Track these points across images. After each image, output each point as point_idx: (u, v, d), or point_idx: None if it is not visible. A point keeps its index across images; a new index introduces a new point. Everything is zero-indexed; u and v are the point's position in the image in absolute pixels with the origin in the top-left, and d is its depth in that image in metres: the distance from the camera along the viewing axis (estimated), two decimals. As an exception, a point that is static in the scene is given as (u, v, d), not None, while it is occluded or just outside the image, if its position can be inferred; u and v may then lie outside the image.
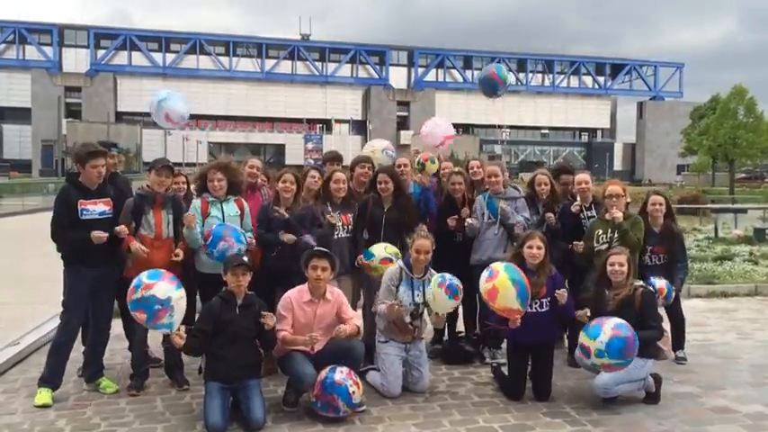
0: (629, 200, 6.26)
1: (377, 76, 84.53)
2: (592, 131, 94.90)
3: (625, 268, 5.23)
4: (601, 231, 5.94)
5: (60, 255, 5.25)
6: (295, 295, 5.08)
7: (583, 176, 6.40)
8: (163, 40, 78.59)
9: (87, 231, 4.99)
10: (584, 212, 6.28)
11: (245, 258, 5.05)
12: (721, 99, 61.15)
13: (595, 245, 5.92)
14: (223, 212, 5.56)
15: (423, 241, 5.41)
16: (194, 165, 53.45)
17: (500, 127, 79.41)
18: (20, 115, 73.97)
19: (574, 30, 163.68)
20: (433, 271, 5.48)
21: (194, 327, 4.80)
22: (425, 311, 5.52)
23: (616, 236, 5.83)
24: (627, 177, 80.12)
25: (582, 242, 6.01)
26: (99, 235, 4.96)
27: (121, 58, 77.95)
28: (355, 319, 5.22)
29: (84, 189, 5.14)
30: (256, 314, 4.82)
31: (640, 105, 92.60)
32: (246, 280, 4.85)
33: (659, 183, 68.16)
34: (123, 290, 4.92)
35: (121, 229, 5.08)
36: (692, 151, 64.48)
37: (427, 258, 5.42)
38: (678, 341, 6.38)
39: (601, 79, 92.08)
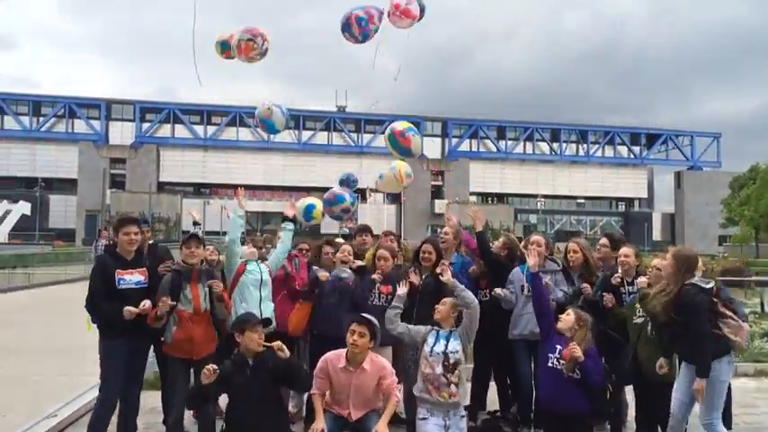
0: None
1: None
2: (629, 201, 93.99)
3: (631, 260, 5.47)
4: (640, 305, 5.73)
5: (96, 326, 5.30)
6: (332, 358, 4.98)
7: (626, 249, 6.19)
8: (205, 113, 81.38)
9: (123, 301, 5.04)
10: (626, 287, 6.01)
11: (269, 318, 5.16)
12: (761, 169, 60.35)
13: (634, 317, 5.69)
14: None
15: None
16: (196, 224, 54.51)
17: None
18: (66, 186, 76.68)
19: (607, 100, 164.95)
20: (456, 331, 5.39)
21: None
22: (458, 365, 5.28)
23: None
24: (667, 248, 78.71)
25: (611, 296, 5.83)
26: (131, 310, 4.99)
27: (165, 131, 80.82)
28: (394, 391, 5.02)
29: (121, 259, 5.23)
30: (271, 371, 4.65)
31: (678, 175, 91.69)
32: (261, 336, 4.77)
33: (701, 254, 66.58)
34: (163, 363, 4.94)
35: (144, 306, 5.05)
36: (734, 222, 63.22)
37: (449, 312, 5.29)
38: (726, 421, 6.03)
39: (636, 149, 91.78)
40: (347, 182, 9.62)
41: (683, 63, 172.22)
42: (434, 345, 5.21)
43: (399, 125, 7.64)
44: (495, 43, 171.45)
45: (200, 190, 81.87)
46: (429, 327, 5.39)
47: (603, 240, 6.74)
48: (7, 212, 68.42)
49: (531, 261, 5.47)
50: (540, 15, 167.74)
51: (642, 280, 5.62)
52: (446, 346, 5.19)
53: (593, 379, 4.93)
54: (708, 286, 5.02)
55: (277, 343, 4.71)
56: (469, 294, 5.29)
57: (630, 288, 6.00)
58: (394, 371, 5.17)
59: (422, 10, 7.79)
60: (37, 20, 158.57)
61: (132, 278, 5.21)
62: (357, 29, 7.66)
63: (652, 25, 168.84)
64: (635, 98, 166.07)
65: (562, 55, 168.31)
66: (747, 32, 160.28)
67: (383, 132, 8.09)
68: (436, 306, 5.32)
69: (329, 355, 5.03)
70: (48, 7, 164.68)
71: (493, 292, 6.15)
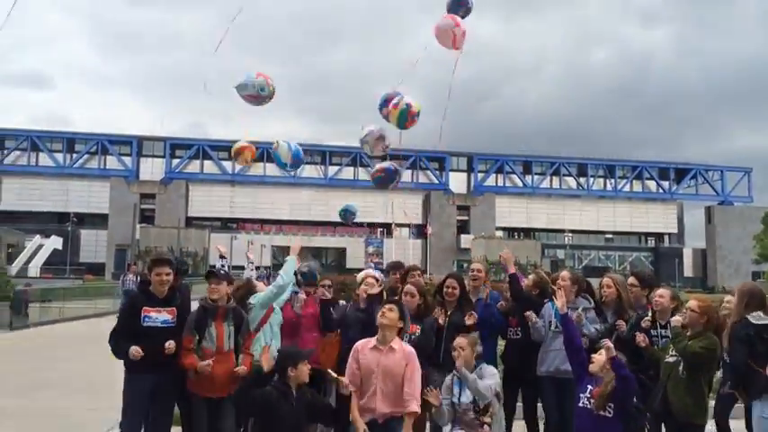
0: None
1: (437, 182, 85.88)
2: (658, 236, 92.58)
3: (665, 301, 5.40)
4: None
5: (123, 361, 5.28)
6: (362, 343, 5.02)
7: (662, 290, 5.97)
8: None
9: (147, 340, 5.05)
10: (658, 329, 5.82)
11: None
12: (794, 203, 59.16)
13: (666, 356, 5.48)
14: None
15: (460, 339, 5.29)
16: (258, 268, 54.84)
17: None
18: (97, 221, 78.06)
19: (635, 134, 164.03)
20: (485, 366, 5.29)
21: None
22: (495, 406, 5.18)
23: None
24: (699, 285, 77.10)
25: (644, 336, 5.69)
26: (137, 352, 5.00)
27: (194, 167, 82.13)
28: (415, 397, 4.88)
29: (152, 297, 5.26)
30: (309, 404, 4.76)
31: (709, 210, 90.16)
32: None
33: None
34: (186, 400, 4.91)
35: (169, 346, 5.09)
36: (767, 258, 61.86)
37: (466, 356, 5.19)
38: None
39: (665, 184, 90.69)
40: (346, 214, 9.57)
41: (711, 97, 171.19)
42: (460, 395, 5.13)
43: (417, 107, 7.74)
44: (521, 78, 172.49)
45: (228, 225, 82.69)
46: (450, 375, 5.30)
47: (632, 280, 6.55)
48: (40, 247, 69.66)
49: (559, 303, 5.40)
50: (567, 50, 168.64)
51: (676, 318, 5.48)
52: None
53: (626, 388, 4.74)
54: (758, 322, 4.95)
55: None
56: (483, 385, 5.11)
57: (663, 331, 5.77)
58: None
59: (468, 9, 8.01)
60: (71, 60, 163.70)
61: (159, 317, 5.21)
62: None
63: (679, 60, 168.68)
64: (663, 132, 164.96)
65: (589, 89, 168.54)
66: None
67: (398, 105, 7.98)
68: (453, 353, 5.23)
69: (360, 341, 5.06)
70: (81, 48, 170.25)
71: (525, 315, 6.09)
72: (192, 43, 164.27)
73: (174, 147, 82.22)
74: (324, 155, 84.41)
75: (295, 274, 6.17)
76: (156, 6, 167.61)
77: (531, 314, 6.08)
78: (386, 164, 8.40)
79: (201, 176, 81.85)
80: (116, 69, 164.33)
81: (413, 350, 5.01)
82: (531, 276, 6.83)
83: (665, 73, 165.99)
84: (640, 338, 5.69)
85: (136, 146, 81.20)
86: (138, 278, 21.69)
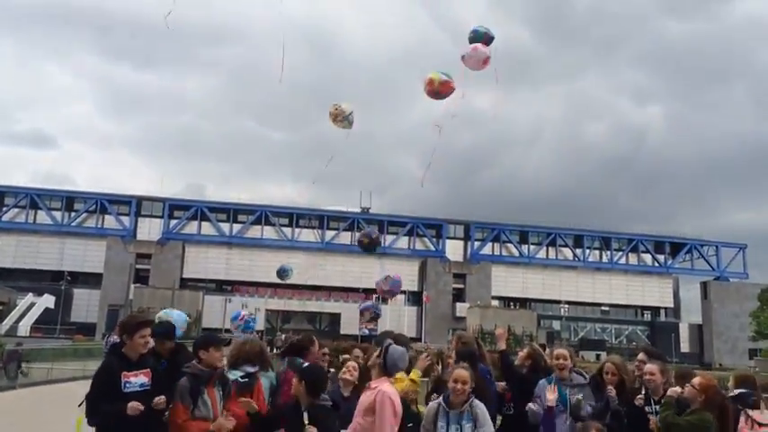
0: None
1: (433, 249, 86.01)
2: (654, 310, 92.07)
3: (657, 377, 5.55)
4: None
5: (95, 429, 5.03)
6: None
7: (650, 366, 5.96)
8: (231, 212, 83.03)
9: (126, 404, 4.83)
10: (652, 406, 5.75)
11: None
12: (790, 280, 59.23)
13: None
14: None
15: (460, 371, 5.12)
16: (252, 332, 54.51)
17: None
18: (91, 280, 77.62)
19: (630, 207, 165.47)
20: (477, 402, 5.06)
21: None
22: None
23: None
24: (695, 360, 76.22)
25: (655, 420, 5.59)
26: (138, 407, 4.79)
27: (191, 228, 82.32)
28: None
29: (127, 360, 5.08)
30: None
31: (704, 285, 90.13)
32: None
33: (731, 368, 64.35)
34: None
35: (159, 401, 4.89)
36: (763, 335, 61.49)
37: (465, 389, 5.02)
38: None
39: (661, 257, 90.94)
40: (282, 272, 10.22)
41: (705, 173, 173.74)
42: (447, 430, 4.96)
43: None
44: (518, 149, 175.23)
45: (223, 287, 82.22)
46: (436, 402, 5.14)
47: (641, 356, 6.52)
48: (32, 305, 68.92)
49: (550, 397, 5.68)
50: (563, 124, 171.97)
51: (674, 389, 5.47)
52: (461, 429, 4.92)
53: None
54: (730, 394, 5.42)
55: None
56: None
57: (657, 407, 5.69)
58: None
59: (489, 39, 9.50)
60: (75, 121, 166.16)
61: (137, 380, 5.04)
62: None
63: (672, 135, 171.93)
64: (658, 206, 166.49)
65: (584, 161, 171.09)
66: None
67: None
68: (453, 385, 5.04)
69: None
70: (86, 109, 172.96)
71: (526, 408, 6.01)
72: (196, 106, 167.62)
73: (173, 208, 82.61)
74: (321, 219, 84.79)
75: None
76: (162, 70, 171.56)
77: (531, 406, 6.00)
78: (368, 229, 9.51)
79: (198, 238, 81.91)
80: (119, 130, 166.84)
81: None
82: (525, 350, 6.82)
83: (658, 148, 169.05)
84: (652, 422, 5.59)
85: (135, 206, 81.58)
86: (110, 341, 21.32)
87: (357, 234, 77.37)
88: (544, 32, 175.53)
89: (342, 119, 9.58)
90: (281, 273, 10.26)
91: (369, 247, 9.73)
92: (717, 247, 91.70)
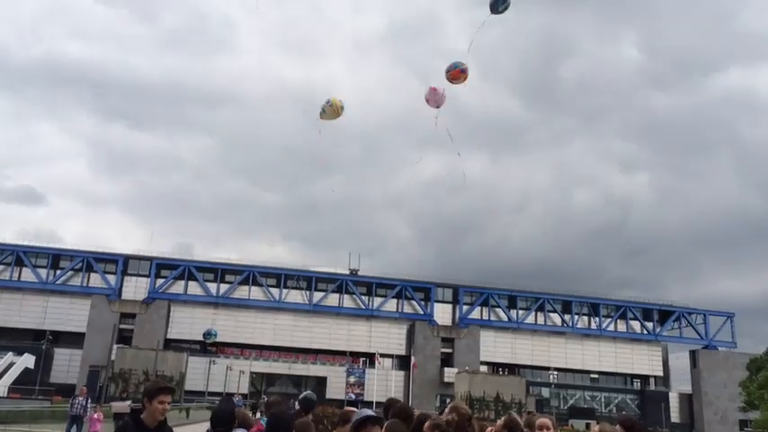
0: None
1: (422, 312, 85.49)
2: (644, 378, 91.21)
3: None
4: None
5: None
6: None
7: None
8: (219, 271, 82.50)
9: None
10: None
11: None
12: (778, 350, 59.17)
13: None
14: None
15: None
16: (233, 394, 53.20)
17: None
18: (74, 340, 76.21)
19: (618, 274, 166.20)
20: None
21: None
22: None
23: None
24: (686, 431, 75.21)
25: None
26: None
27: (178, 287, 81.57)
28: None
29: (144, 427, 5.07)
30: None
31: (693, 354, 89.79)
32: None
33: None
34: None
35: None
36: (753, 405, 60.87)
37: None
38: None
39: (649, 325, 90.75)
40: (207, 335, 10.00)
41: (691, 241, 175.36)
42: None
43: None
44: (507, 215, 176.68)
45: (207, 348, 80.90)
46: None
47: (618, 428, 6.43)
48: (11, 365, 67.31)
49: None
50: (551, 190, 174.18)
51: None
52: None
53: None
54: None
55: None
56: None
57: None
58: None
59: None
60: (67, 179, 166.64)
61: None
62: None
63: (659, 204, 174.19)
64: (646, 273, 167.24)
65: (572, 228, 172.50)
66: (754, 218, 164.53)
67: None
68: None
69: None
70: (78, 168, 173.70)
71: None
72: (189, 167, 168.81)
73: (160, 267, 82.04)
74: (309, 280, 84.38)
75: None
76: (156, 131, 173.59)
77: None
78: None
79: (184, 297, 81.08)
80: (110, 189, 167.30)
81: None
82: (502, 418, 6.74)
83: (645, 216, 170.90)
84: None
85: (121, 264, 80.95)
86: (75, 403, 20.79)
87: (345, 296, 76.89)
88: (533, 102, 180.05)
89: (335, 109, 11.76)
90: (206, 336, 10.06)
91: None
92: (705, 315, 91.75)
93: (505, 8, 12.86)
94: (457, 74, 12.63)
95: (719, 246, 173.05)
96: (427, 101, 13.71)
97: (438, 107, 13.27)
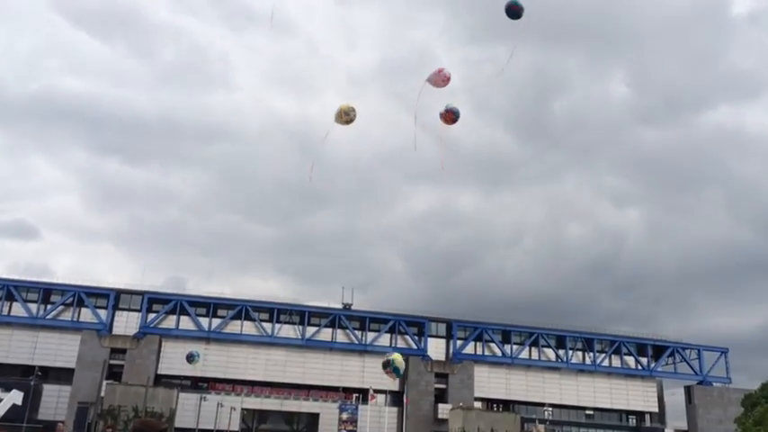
0: None
1: (415, 347, 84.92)
2: (639, 415, 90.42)
3: None
4: None
5: None
6: None
7: None
8: (211, 306, 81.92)
9: None
10: None
11: None
12: (773, 385, 59.00)
13: None
14: None
15: None
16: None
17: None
18: (63, 376, 75.23)
19: (611, 309, 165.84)
20: None
21: None
22: None
23: None
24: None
25: None
26: None
27: (170, 322, 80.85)
28: None
29: None
30: None
31: (688, 390, 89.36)
32: None
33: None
34: None
35: None
36: (751, 442, 60.40)
37: None
38: None
39: (644, 360, 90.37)
40: (189, 357, 10.06)
41: (683, 276, 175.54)
42: None
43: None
44: (501, 249, 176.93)
45: (198, 384, 79.93)
46: None
47: None
48: (-2, 401, 66.30)
49: None
50: (544, 226, 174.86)
51: None
52: None
53: None
54: None
55: None
56: None
57: None
58: None
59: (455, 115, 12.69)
60: (60, 213, 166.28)
61: None
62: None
63: (651, 239, 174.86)
64: (639, 308, 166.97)
65: (565, 262, 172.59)
66: (745, 252, 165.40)
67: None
68: None
69: None
70: (72, 202, 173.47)
71: None
72: (183, 201, 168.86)
73: (152, 301, 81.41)
74: (302, 315, 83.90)
75: None
76: (150, 166, 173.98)
77: None
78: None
79: (176, 332, 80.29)
80: (103, 223, 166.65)
81: None
82: None
83: (637, 250, 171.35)
84: None
85: (113, 299, 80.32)
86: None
87: (338, 331, 77.10)
88: (526, 138, 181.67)
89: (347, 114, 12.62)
90: (189, 358, 10.14)
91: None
92: (699, 350, 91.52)
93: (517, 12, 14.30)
94: (449, 117, 13.92)
95: (712, 280, 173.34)
96: (430, 81, 15.39)
97: (437, 86, 15.02)
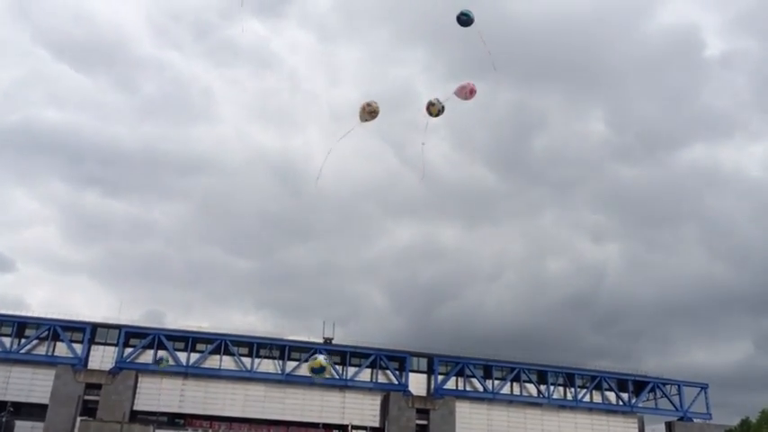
0: None
1: (396, 382, 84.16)
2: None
3: None
4: None
5: None
6: None
7: None
8: (190, 340, 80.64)
9: None
10: None
11: None
12: (752, 423, 59.38)
13: None
14: None
15: None
16: None
17: None
18: (36, 412, 73.24)
19: (591, 343, 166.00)
20: None
21: None
22: None
23: None
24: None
25: None
26: None
27: (147, 357, 79.37)
28: None
29: None
30: None
31: (669, 426, 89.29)
32: None
33: None
34: None
35: None
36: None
37: None
38: None
39: (624, 395, 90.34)
40: (159, 360, 10.18)
41: (662, 311, 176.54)
42: None
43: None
44: (482, 283, 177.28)
45: (175, 420, 78.27)
46: None
47: None
48: (-34, 439, 64.62)
49: None
50: (525, 261, 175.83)
51: None
52: None
53: None
54: None
55: None
56: None
57: None
58: None
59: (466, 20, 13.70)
60: (37, 245, 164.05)
61: None
62: None
63: (630, 276, 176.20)
64: (619, 344, 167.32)
65: (545, 297, 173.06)
66: (721, 289, 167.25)
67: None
68: None
69: None
70: (49, 234, 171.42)
71: None
72: (162, 234, 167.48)
73: (129, 335, 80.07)
74: (282, 349, 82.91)
75: None
76: (129, 198, 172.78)
77: None
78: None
79: (153, 367, 78.83)
80: (81, 255, 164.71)
81: None
82: None
83: (617, 286, 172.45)
84: None
85: (89, 333, 78.86)
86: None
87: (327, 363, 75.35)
88: (506, 173, 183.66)
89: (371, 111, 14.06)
90: (159, 361, 10.22)
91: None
92: (679, 386, 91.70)
93: (468, 19, 15.87)
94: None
95: (689, 316, 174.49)
96: (456, 94, 16.83)
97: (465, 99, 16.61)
